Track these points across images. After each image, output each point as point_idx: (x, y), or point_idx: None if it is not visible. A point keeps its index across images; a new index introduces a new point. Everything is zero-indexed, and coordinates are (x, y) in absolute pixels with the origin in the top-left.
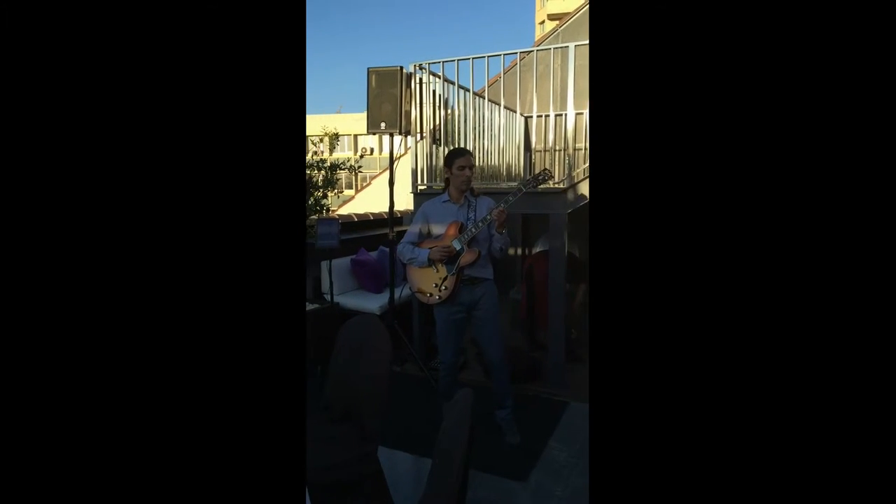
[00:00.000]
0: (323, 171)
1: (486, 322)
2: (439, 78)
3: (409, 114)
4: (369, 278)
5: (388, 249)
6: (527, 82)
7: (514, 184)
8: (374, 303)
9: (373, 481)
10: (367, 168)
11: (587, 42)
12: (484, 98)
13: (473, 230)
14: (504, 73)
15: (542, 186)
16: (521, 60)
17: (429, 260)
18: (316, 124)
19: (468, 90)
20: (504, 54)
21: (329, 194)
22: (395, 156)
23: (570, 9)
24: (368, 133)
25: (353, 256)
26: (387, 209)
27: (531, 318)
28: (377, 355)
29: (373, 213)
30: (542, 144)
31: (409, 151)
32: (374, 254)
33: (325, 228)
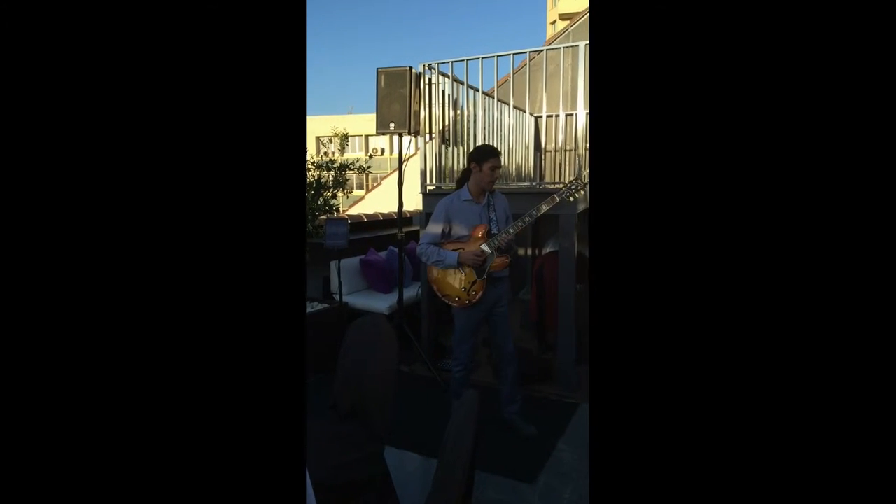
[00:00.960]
0: (333, 172)
1: (503, 318)
2: (448, 78)
3: (418, 114)
4: (378, 278)
5: (397, 249)
6: (537, 82)
7: (524, 184)
8: (382, 303)
9: (379, 482)
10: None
11: None
12: (493, 98)
13: (505, 236)
14: (514, 73)
15: (555, 186)
16: (531, 60)
17: (458, 263)
18: (326, 125)
19: (478, 90)
20: (514, 54)
21: (339, 194)
22: (404, 156)
23: (582, 8)
24: (378, 133)
25: (363, 257)
26: (396, 209)
27: (541, 319)
28: (385, 355)
29: (382, 214)
30: (553, 144)
31: (418, 152)
32: (383, 254)
33: (334, 228)
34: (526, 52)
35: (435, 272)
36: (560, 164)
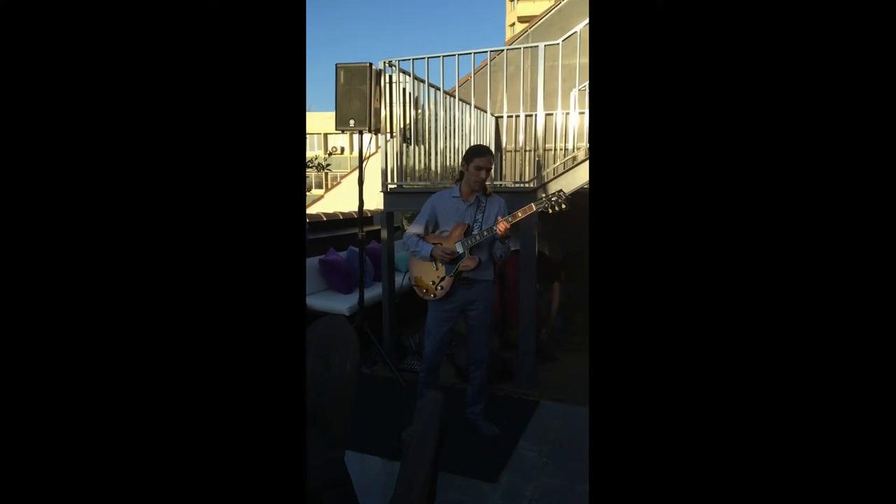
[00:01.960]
0: None
1: (479, 321)
2: (409, 76)
3: (378, 111)
4: (338, 278)
5: (357, 249)
6: (497, 82)
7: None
8: (343, 303)
9: (340, 488)
10: (338, 167)
11: (557, 42)
12: (455, 97)
13: (478, 237)
14: (475, 73)
15: (515, 185)
16: (491, 60)
17: (430, 256)
18: None
19: (439, 89)
20: (475, 53)
21: None
22: (364, 154)
23: (539, 11)
24: (337, 130)
25: (322, 256)
26: (356, 209)
27: (503, 317)
28: (344, 357)
29: (342, 213)
30: (513, 145)
31: (379, 150)
32: (343, 254)
33: None
34: (487, 52)
35: (414, 261)
36: (521, 165)
